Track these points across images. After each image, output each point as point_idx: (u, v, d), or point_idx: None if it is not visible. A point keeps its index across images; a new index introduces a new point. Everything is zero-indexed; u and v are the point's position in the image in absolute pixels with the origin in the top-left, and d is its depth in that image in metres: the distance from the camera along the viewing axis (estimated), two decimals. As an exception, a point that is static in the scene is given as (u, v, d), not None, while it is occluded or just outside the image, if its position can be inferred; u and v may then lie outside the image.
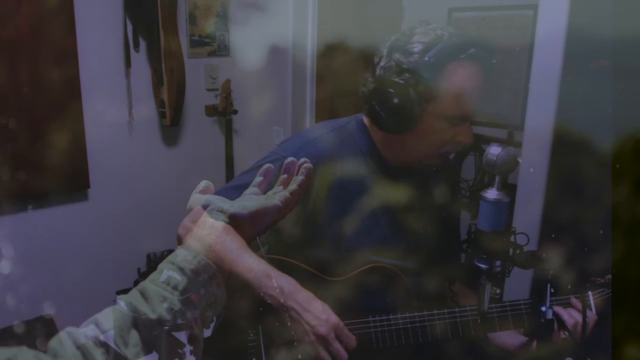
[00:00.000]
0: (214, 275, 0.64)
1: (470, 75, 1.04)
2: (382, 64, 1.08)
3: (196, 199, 0.74)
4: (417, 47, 1.04)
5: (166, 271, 0.61)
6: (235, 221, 0.70)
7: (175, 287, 0.60)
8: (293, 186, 0.76)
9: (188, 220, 1.05)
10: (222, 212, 0.69)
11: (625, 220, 0.57)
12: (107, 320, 0.57)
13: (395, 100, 1.05)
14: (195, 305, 0.61)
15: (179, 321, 0.59)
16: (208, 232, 0.66)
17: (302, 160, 0.78)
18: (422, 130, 1.08)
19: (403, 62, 1.04)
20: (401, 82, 1.04)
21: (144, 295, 0.59)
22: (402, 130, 1.08)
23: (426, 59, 1.02)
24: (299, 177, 0.77)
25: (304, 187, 0.77)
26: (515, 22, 2.46)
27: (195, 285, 0.61)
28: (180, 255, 0.63)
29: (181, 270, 0.61)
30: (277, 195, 0.74)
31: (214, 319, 0.67)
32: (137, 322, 0.57)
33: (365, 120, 1.19)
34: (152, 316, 0.58)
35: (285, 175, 0.78)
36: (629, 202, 0.57)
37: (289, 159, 0.78)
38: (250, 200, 0.73)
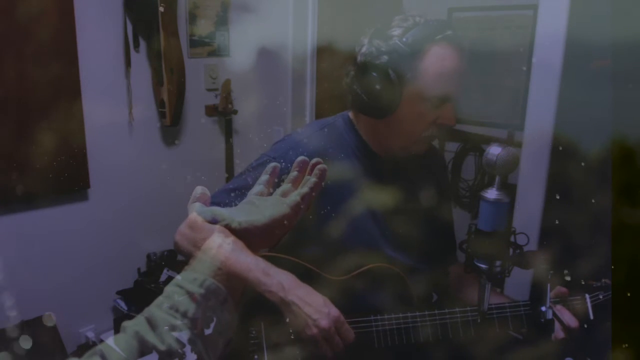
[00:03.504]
0: (225, 300, 0.59)
1: (448, 55, 1.07)
2: (362, 51, 1.10)
3: (200, 212, 0.68)
4: (395, 32, 1.07)
5: (174, 296, 0.57)
6: (244, 237, 0.65)
7: (184, 314, 0.56)
8: (305, 189, 0.71)
9: (184, 227, 1.04)
10: (230, 229, 0.65)
11: (624, 227, 0.57)
12: (113, 353, 0.53)
13: (376, 83, 1.07)
14: (206, 333, 0.57)
15: (189, 352, 0.55)
16: (216, 252, 0.61)
17: (316, 160, 0.74)
18: (404, 114, 1.09)
19: (382, 46, 1.07)
20: (380, 64, 1.06)
21: (151, 323, 0.55)
22: (384, 113, 1.10)
23: (404, 39, 1.06)
24: (312, 179, 0.72)
25: (316, 190, 0.71)
26: (515, 22, 2.46)
27: (205, 311, 0.57)
28: (188, 278, 0.59)
29: (190, 294, 0.57)
30: (288, 201, 0.69)
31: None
32: (145, 354, 0.53)
33: (351, 115, 1.21)
34: (161, 348, 0.53)
35: (296, 173, 0.74)
36: (627, 207, 0.57)
37: (301, 158, 0.76)
38: (258, 213, 0.68)
